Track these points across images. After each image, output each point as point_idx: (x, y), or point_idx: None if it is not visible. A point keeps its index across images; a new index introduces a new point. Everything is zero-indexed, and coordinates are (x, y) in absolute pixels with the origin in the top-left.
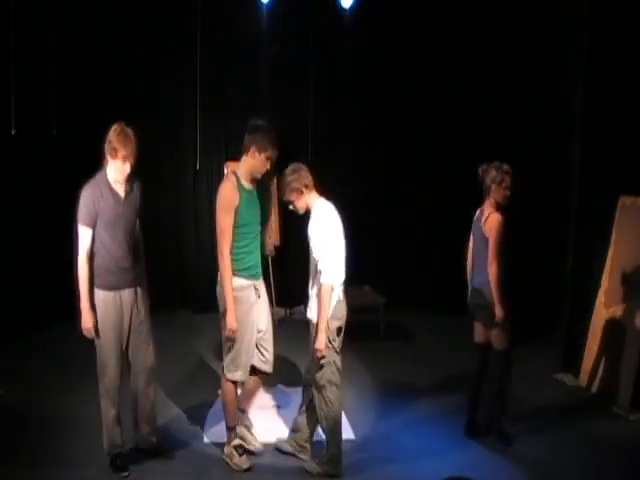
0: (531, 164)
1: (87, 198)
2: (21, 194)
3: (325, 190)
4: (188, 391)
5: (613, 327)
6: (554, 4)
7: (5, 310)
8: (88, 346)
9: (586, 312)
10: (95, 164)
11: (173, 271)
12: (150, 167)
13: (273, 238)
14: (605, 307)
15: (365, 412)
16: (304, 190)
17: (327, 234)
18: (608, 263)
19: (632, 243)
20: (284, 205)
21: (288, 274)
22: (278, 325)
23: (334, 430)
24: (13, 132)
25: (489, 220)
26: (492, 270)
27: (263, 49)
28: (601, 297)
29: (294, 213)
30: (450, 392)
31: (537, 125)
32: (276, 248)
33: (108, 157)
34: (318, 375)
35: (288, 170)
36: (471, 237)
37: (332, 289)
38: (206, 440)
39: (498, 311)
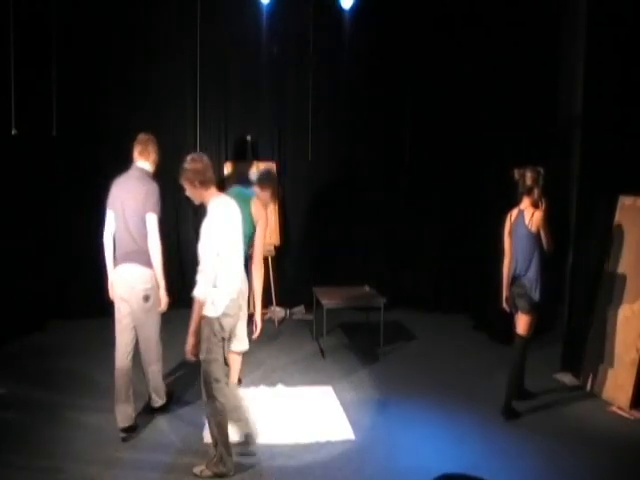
0: (531, 164)
1: (159, 193)
2: (21, 194)
3: (325, 190)
4: (188, 390)
5: (613, 327)
6: (555, 3)
7: (5, 310)
8: (87, 346)
9: (586, 312)
10: (95, 164)
11: (173, 270)
12: None
13: (273, 238)
14: (605, 307)
15: (365, 412)
16: (197, 185)
17: (216, 237)
18: (608, 263)
19: (632, 243)
20: (284, 205)
21: (288, 274)
22: (278, 325)
23: (221, 427)
24: (13, 132)
25: (536, 218)
26: (550, 241)
27: (263, 49)
28: (601, 297)
29: (294, 213)
30: (450, 392)
31: (537, 125)
32: (275, 248)
33: (152, 162)
34: (205, 372)
35: (189, 157)
36: (507, 239)
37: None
38: (206, 440)
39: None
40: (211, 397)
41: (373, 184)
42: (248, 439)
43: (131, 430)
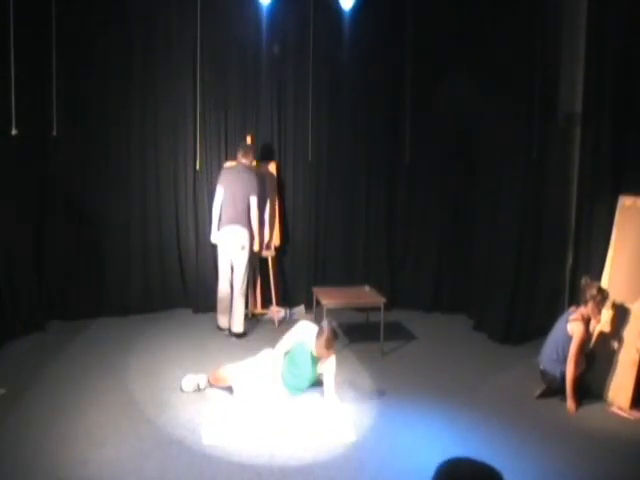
0: (531, 164)
1: (257, 180)
2: (20, 194)
3: (325, 190)
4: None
5: (613, 326)
6: (555, 3)
7: (5, 310)
8: (87, 345)
9: None
10: (95, 164)
11: (173, 270)
12: (150, 167)
13: (273, 238)
14: (605, 307)
15: (365, 412)
16: None
17: None
18: (608, 263)
19: (632, 243)
20: (284, 205)
21: (288, 274)
22: (278, 325)
23: None
24: (13, 132)
25: (574, 326)
26: (570, 368)
27: (263, 49)
28: None
29: (294, 213)
30: (450, 392)
31: (537, 125)
32: (276, 248)
33: (251, 161)
34: None
35: None
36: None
37: None
38: (206, 441)
39: (570, 405)
40: None
41: (373, 184)
42: None
43: (224, 330)
